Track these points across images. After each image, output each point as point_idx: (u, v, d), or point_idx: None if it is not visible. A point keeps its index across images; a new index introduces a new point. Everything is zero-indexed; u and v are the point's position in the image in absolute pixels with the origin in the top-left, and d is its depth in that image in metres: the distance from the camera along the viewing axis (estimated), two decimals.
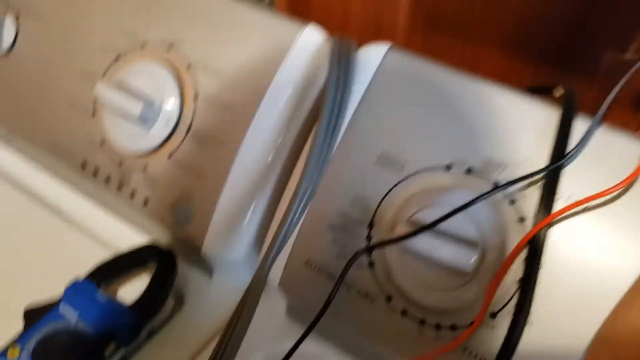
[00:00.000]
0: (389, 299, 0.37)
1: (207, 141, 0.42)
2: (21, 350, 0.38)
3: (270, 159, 0.41)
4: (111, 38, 0.47)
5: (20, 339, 0.39)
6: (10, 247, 0.49)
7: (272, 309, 0.44)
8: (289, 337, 0.36)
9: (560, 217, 0.34)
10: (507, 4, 0.50)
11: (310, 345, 0.38)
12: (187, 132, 0.43)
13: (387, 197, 0.38)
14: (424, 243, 0.35)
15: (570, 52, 0.51)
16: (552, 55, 0.52)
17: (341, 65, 0.39)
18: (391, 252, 0.37)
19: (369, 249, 0.37)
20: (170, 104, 0.44)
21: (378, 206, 0.38)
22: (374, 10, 0.57)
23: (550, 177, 0.34)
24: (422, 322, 0.36)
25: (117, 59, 0.46)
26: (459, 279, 0.35)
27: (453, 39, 0.54)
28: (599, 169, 0.34)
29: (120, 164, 0.46)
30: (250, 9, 0.44)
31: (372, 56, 0.41)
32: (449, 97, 0.38)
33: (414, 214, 0.36)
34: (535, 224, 0.34)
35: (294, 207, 0.36)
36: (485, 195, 0.34)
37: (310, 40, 0.42)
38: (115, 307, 0.41)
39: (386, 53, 0.40)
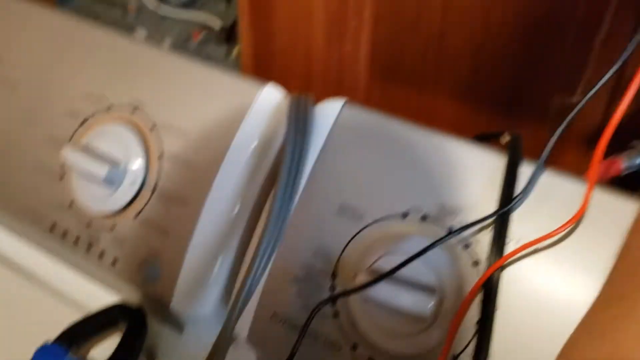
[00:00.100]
0: (354, 347, 0.38)
1: (172, 200, 0.43)
2: None
3: (234, 214, 0.42)
4: (77, 102, 0.48)
5: None
6: None
7: None
8: None
9: (511, 259, 0.35)
10: (459, 54, 0.53)
11: None
12: (153, 191, 0.44)
13: (348, 247, 0.39)
14: (383, 291, 0.36)
15: (521, 97, 0.53)
16: (504, 101, 0.54)
17: (299, 121, 0.41)
18: (354, 301, 0.38)
19: (330, 300, 0.38)
20: (136, 165, 0.45)
21: (340, 256, 0.39)
22: (335, 64, 0.59)
23: (500, 221, 0.36)
24: None
25: (82, 122, 0.48)
26: (420, 324, 0.36)
27: (409, 90, 0.57)
28: (547, 211, 0.36)
29: (88, 225, 0.47)
30: (212, 70, 0.46)
31: (328, 111, 0.42)
32: (402, 148, 0.40)
33: (373, 262, 0.37)
34: (488, 268, 0.35)
35: (257, 263, 0.37)
36: (440, 241, 0.36)
37: (269, 98, 0.43)
38: None
39: (341, 108, 0.42)
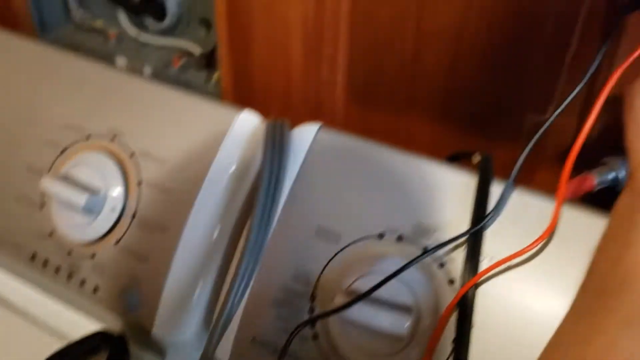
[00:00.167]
0: None
1: (151, 226, 0.44)
2: None
3: (214, 238, 0.43)
4: (57, 132, 0.49)
5: None
6: None
7: None
8: None
9: (485, 277, 0.36)
10: (432, 76, 0.54)
11: None
12: (133, 218, 0.45)
13: (326, 269, 0.40)
14: (361, 312, 0.36)
15: (495, 116, 0.54)
16: (479, 120, 0.55)
17: (275, 146, 0.42)
18: (333, 322, 0.38)
19: (308, 322, 0.38)
20: (115, 193, 0.45)
21: (318, 278, 0.39)
22: (313, 89, 0.60)
23: (473, 240, 0.37)
24: None
25: (62, 152, 0.48)
26: (398, 344, 0.37)
27: (386, 112, 0.58)
28: (519, 229, 0.37)
29: (69, 254, 0.47)
30: (190, 97, 0.46)
31: (304, 135, 0.43)
32: (377, 170, 0.41)
33: (351, 283, 0.38)
34: (462, 286, 0.36)
35: (235, 288, 0.37)
36: (415, 261, 0.36)
37: (246, 124, 0.44)
38: None
39: (317, 132, 0.43)
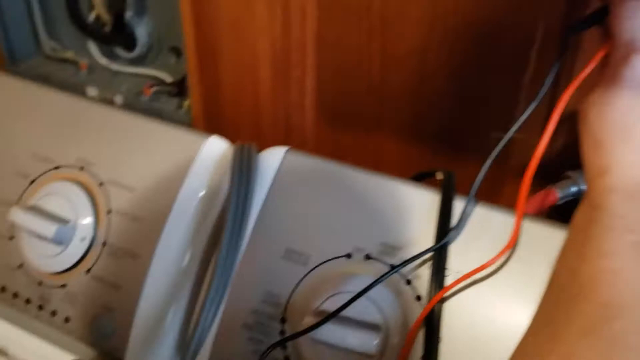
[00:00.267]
0: None
1: (122, 254, 0.44)
2: None
3: (184, 264, 0.43)
4: (26, 163, 0.49)
5: None
6: None
7: None
8: None
9: (450, 292, 0.37)
10: (399, 98, 0.55)
11: None
12: (103, 247, 0.45)
13: (296, 291, 0.40)
14: (330, 332, 0.37)
15: (461, 135, 0.56)
16: (446, 140, 0.56)
17: (242, 170, 0.42)
18: (304, 343, 0.38)
19: (278, 344, 0.38)
20: (85, 222, 0.45)
21: (288, 300, 0.40)
22: (282, 113, 0.61)
23: (438, 256, 0.37)
24: None
25: (31, 182, 0.48)
26: None
27: (356, 134, 0.59)
28: (482, 243, 0.38)
29: (39, 285, 0.47)
30: (158, 125, 0.47)
31: (272, 159, 0.44)
32: (344, 190, 0.42)
33: (320, 304, 0.38)
34: (429, 301, 0.36)
35: (204, 313, 0.37)
36: (381, 279, 0.37)
37: (213, 149, 0.45)
38: None
39: (284, 155, 0.44)
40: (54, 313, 0.46)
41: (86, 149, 0.47)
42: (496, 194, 0.57)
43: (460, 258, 0.38)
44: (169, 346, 0.43)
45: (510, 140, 0.57)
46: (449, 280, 0.37)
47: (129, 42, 0.67)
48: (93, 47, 0.70)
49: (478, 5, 0.49)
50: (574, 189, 0.49)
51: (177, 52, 0.66)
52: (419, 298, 0.37)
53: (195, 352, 0.37)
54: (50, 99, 0.52)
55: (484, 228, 0.38)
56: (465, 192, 0.41)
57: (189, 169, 0.43)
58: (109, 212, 0.45)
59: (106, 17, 0.66)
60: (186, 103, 0.65)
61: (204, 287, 0.42)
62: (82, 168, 0.47)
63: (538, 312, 0.32)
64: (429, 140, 0.57)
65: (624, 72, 0.35)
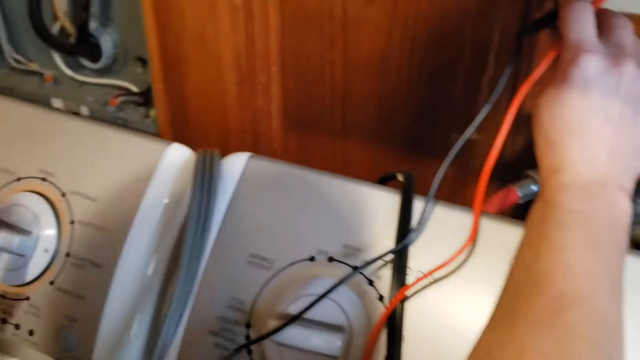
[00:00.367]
0: None
1: (86, 264, 0.44)
2: None
3: (149, 272, 0.43)
4: None
5: None
6: None
7: None
8: None
9: (411, 291, 0.37)
10: (363, 102, 0.56)
11: None
12: (67, 257, 0.44)
13: (260, 295, 0.40)
14: (295, 334, 0.37)
15: (424, 138, 0.57)
16: (410, 142, 0.57)
17: (205, 176, 0.42)
18: (269, 347, 0.38)
19: (242, 348, 0.38)
20: (48, 233, 0.45)
21: (253, 305, 0.40)
22: (249, 120, 0.61)
23: (398, 256, 0.38)
24: None
25: None
26: None
27: (322, 139, 0.59)
28: (442, 242, 0.38)
29: (2, 298, 0.46)
30: (120, 134, 0.47)
31: (235, 165, 0.44)
32: (307, 194, 0.42)
33: (285, 307, 0.38)
34: (390, 301, 0.37)
35: (167, 321, 0.37)
36: (343, 280, 0.37)
37: (175, 157, 0.45)
38: None
39: (247, 160, 0.44)
40: (17, 326, 0.45)
41: (48, 159, 0.47)
42: (460, 195, 0.58)
43: (422, 258, 0.38)
44: (134, 356, 0.43)
45: (472, 141, 0.58)
46: (410, 279, 0.38)
47: (94, 53, 0.67)
48: (58, 59, 0.69)
49: (437, 11, 0.50)
50: (534, 188, 0.50)
51: (142, 62, 0.66)
52: (381, 298, 0.38)
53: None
54: (13, 110, 0.52)
55: (444, 227, 0.39)
56: (426, 193, 0.41)
57: (151, 177, 0.43)
58: (72, 222, 0.45)
59: (70, 28, 0.66)
60: (152, 112, 0.65)
61: (169, 295, 0.42)
62: (44, 179, 0.46)
63: (496, 307, 0.33)
64: (394, 143, 0.58)
65: (573, 72, 0.36)
